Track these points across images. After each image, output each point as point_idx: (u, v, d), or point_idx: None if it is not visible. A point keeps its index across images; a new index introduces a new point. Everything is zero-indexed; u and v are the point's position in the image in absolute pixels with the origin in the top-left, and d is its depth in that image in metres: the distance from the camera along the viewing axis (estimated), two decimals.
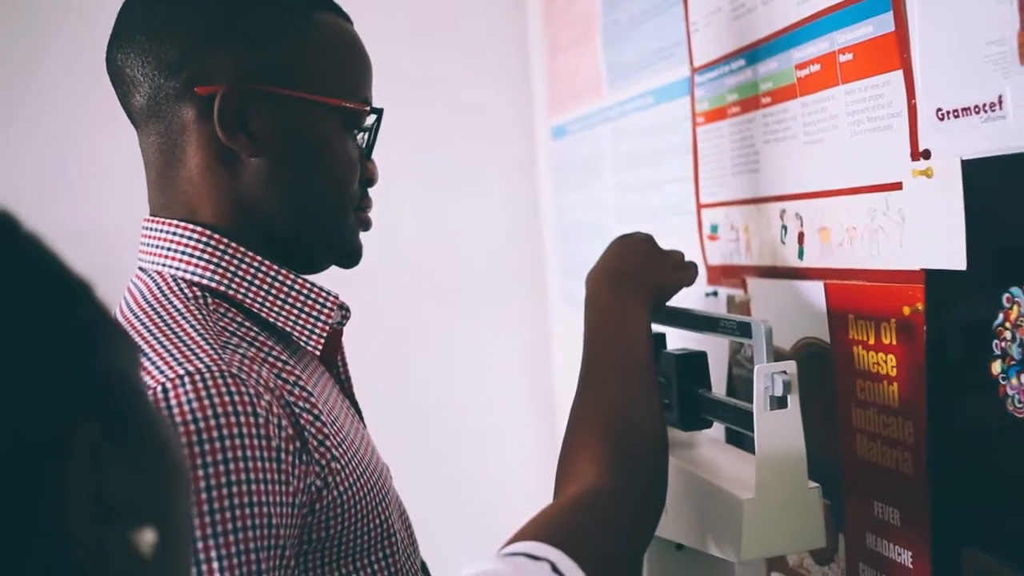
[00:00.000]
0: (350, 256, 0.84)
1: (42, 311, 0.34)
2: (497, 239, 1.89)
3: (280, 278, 0.77)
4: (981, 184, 0.74)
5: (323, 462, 0.69)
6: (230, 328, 0.72)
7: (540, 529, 0.68)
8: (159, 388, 0.63)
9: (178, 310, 0.72)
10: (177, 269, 0.75)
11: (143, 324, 0.71)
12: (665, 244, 0.97)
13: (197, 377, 0.64)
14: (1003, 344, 0.72)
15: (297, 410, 0.69)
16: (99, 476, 0.33)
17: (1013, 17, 0.68)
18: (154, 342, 0.68)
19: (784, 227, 1.01)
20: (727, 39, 1.10)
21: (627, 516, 0.75)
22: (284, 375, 0.71)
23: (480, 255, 1.88)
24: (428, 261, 1.85)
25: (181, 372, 0.64)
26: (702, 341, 1.00)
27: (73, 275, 0.36)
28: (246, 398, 0.64)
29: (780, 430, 0.80)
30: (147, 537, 0.35)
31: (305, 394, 0.71)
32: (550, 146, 1.82)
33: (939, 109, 0.77)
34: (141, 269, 0.78)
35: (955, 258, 0.76)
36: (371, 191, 0.86)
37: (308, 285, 0.78)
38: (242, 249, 0.76)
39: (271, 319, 0.76)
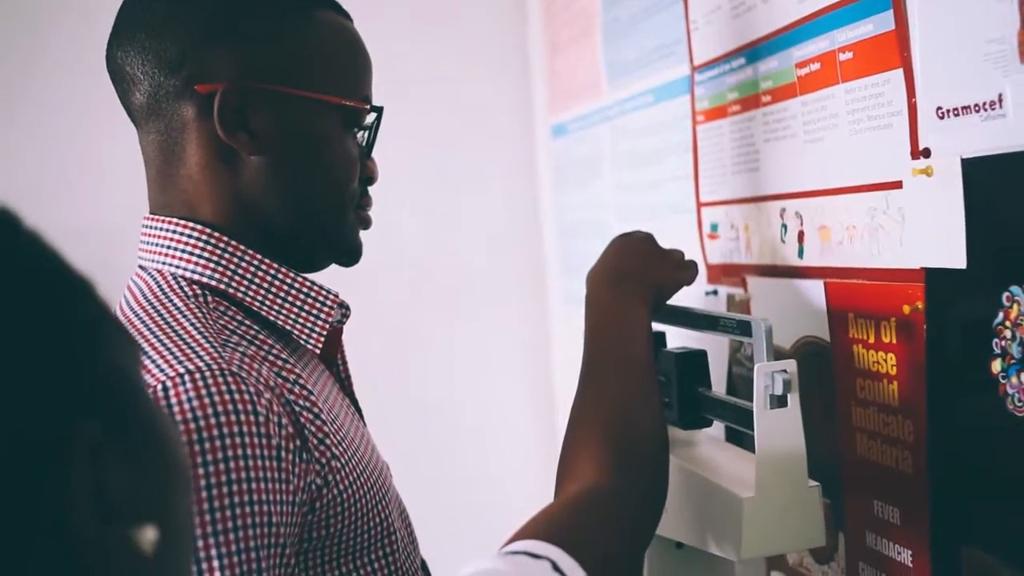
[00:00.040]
0: (350, 254, 0.84)
1: (43, 309, 0.34)
2: (497, 238, 1.89)
3: (280, 276, 0.77)
4: (981, 183, 0.74)
5: (323, 460, 0.69)
6: (230, 326, 0.72)
7: (541, 528, 0.68)
8: (159, 386, 0.63)
9: (178, 308, 0.72)
10: (177, 267, 0.75)
11: (143, 322, 0.71)
12: (665, 243, 0.97)
13: (197, 375, 0.64)
14: (1003, 343, 0.72)
15: (297, 408, 0.69)
16: (100, 474, 0.33)
17: (1013, 16, 0.68)
18: (154, 340, 0.68)
19: (784, 226, 1.02)
20: (727, 37, 1.10)
21: (627, 515, 0.75)
22: (284, 373, 0.71)
23: (480, 253, 1.88)
24: (428, 260, 1.85)
25: (181, 370, 0.64)
26: (702, 340, 1.00)
27: (74, 273, 0.36)
28: (246, 396, 0.64)
29: (780, 429, 0.80)
30: (148, 535, 0.35)
31: (305, 392, 0.71)
32: (550, 144, 1.82)
33: (939, 108, 0.77)
34: (141, 267, 0.78)
35: (955, 257, 0.76)
36: (371, 189, 0.86)
37: (308, 283, 0.78)
38: (242, 247, 0.76)
39: (271, 317, 0.76)
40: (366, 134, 0.84)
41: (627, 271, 0.91)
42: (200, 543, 0.61)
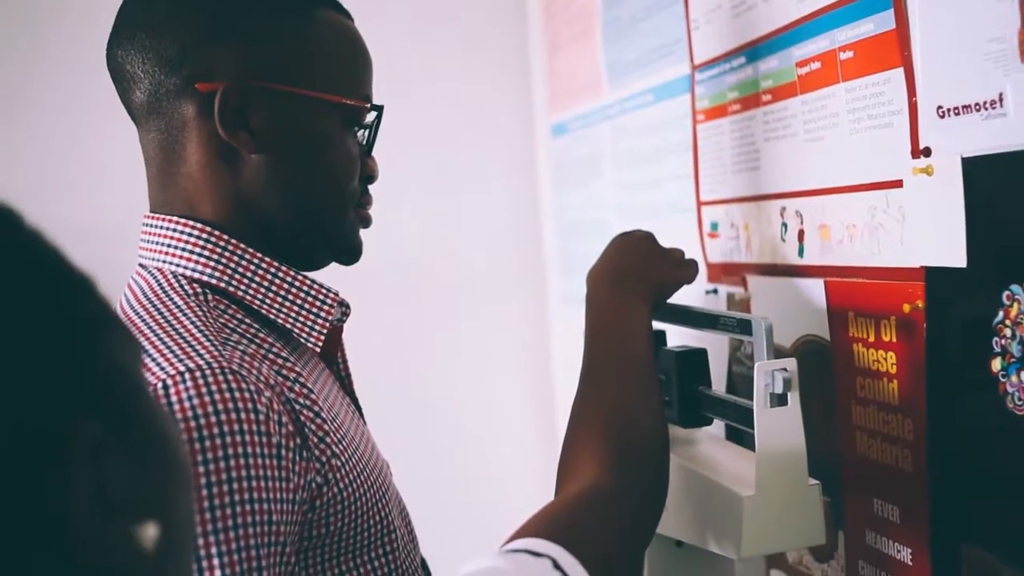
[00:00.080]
0: (350, 253, 0.84)
1: (44, 307, 0.34)
2: (497, 236, 1.89)
3: (280, 275, 0.77)
4: (981, 182, 0.74)
5: (323, 459, 0.69)
6: (230, 325, 0.72)
7: (542, 526, 0.68)
8: (160, 384, 0.63)
9: (178, 307, 0.72)
10: (177, 266, 0.75)
11: (143, 321, 0.71)
12: (665, 242, 0.97)
13: (198, 374, 0.64)
14: (1003, 341, 0.72)
15: (297, 407, 0.69)
16: (101, 472, 0.33)
17: (1014, 15, 0.68)
18: (154, 338, 0.68)
19: (784, 225, 1.02)
20: (728, 36, 1.10)
21: (628, 513, 0.75)
22: (284, 372, 0.71)
23: (480, 253, 1.88)
24: (428, 258, 1.85)
25: (182, 368, 0.64)
26: (702, 338, 1.00)
27: (75, 271, 0.36)
28: (247, 395, 0.64)
29: (780, 427, 0.80)
30: (150, 532, 0.35)
31: (305, 391, 0.71)
32: (550, 144, 1.82)
33: (940, 107, 0.77)
34: (141, 266, 0.78)
35: (955, 255, 0.76)
36: (371, 188, 0.86)
37: (308, 282, 0.78)
38: (242, 246, 0.76)
39: (271, 316, 0.76)
40: (366, 133, 0.84)
41: (627, 270, 0.91)
42: (200, 541, 0.61)
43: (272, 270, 0.76)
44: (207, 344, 0.67)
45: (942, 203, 0.77)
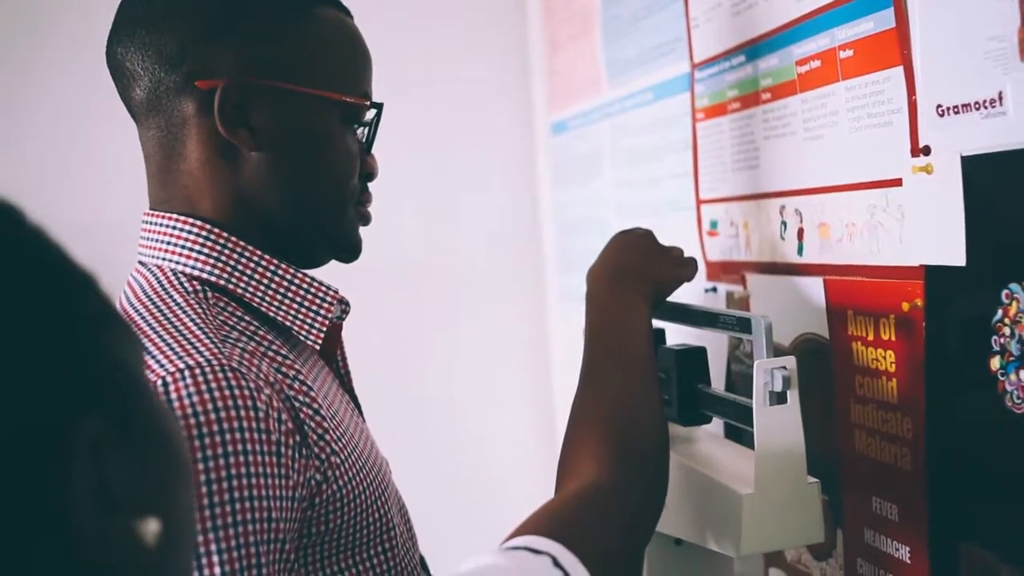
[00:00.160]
0: (350, 250, 0.84)
1: (47, 303, 0.34)
2: (497, 235, 1.89)
3: (280, 272, 0.77)
4: (981, 180, 0.74)
5: (323, 456, 0.69)
6: (230, 322, 0.72)
7: (541, 524, 0.68)
8: (159, 382, 0.63)
9: (178, 304, 0.72)
10: (177, 263, 0.75)
11: (143, 318, 0.71)
12: (665, 240, 0.97)
13: (197, 371, 0.64)
14: (1002, 340, 0.72)
15: (297, 404, 0.69)
16: (103, 468, 0.33)
17: (1013, 13, 0.68)
18: (154, 336, 0.68)
19: (784, 223, 1.02)
20: (727, 35, 1.10)
21: (628, 511, 0.75)
22: (284, 369, 0.71)
23: (479, 251, 1.88)
24: (428, 256, 1.85)
25: (181, 366, 0.64)
26: (701, 337, 1.00)
27: (78, 268, 0.37)
28: (246, 392, 0.64)
29: (779, 425, 0.80)
30: (151, 528, 0.35)
31: (305, 388, 0.71)
32: (550, 142, 1.82)
33: (939, 105, 0.77)
34: (141, 263, 0.78)
35: (954, 254, 0.76)
36: (371, 186, 0.86)
37: (308, 279, 0.78)
38: (242, 243, 0.76)
39: (271, 313, 0.76)
40: (366, 130, 0.84)
41: (627, 268, 0.91)
42: (200, 538, 0.61)
43: (272, 268, 0.77)
44: (207, 341, 0.67)
45: (941, 202, 0.78)
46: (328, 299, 0.79)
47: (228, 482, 0.62)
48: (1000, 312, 0.72)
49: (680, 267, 0.95)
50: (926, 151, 0.79)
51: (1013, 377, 0.71)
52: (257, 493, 0.63)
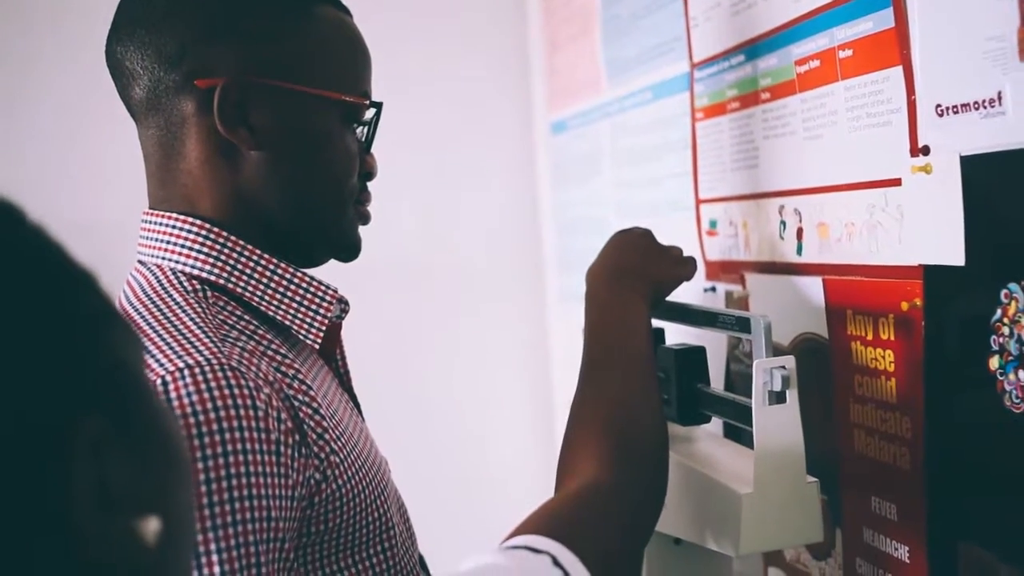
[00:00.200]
0: (349, 250, 0.84)
1: (47, 302, 0.34)
2: (496, 234, 1.89)
3: (279, 272, 0.77)
4: (980, 180, 0.74)
5: (322, 455, 0.69)
6: (229, 321, 0.72)
7: (541, 523, 0.68)
8: (159, 381, 0.63)
9: (177, 303, 0.72)
10: (176, 262, 0.75)
11: (142, 317, 0.71)
12: (664, 239, 0.97)
13: (197, 370, 0.64)
14: (1001, 340, 0.72)
15: (296, 403, 0.69)
16: (103, 467, 0.33)
17: (1013, 13, 0.68)
18: (154, 335, 0.68)
19: (783, 223, 1.02)
20: (727, 34, 1.10)
21: (628, 511, 0.75)
22: (283, 368, 0.71)
23: (479, 250, 1.88)
24: (427, 256, 1.85)
25: (181, 365, 0.64)
26: (701, 336, 1.00)
27: (78, 266, 0.37)
28: (245, 391, 0.64)
29: (778, 425, 0.81)
30: (151, 526, 0.35)
31: (304, 387, 0.71)
32: (549, 141, 1.82)
33: (938, 105, 0.77)
34: (140, 262, 0.78)
35: (953, 254, 0.76)
36: (370, 185, 0.86)
37: (307, 279, 0.78)
38: (241, 242, 0.76)
39: (270, 312, 0.76)
40: (365, 129, 0.84)
41: (626, 267, 0.91)
42: (199, 537, 0.61)
43: (271, 267, 0.77)
44: (206, 340, 0.67)
45: (940, 201, 0.78)
46: (327, 298, 0.79)
47: (227, 481, 0.62)
48: (999, 312, 0.72)
49: (679, 266, 0.95)
50: (925, 151, 0.79)
51: (1012, 377, 0.71)
52: (256, 492, 0.63)
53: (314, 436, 0.69)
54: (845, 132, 0.90)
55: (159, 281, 0.74)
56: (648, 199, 1.39)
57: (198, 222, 0.75)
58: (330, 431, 0.71)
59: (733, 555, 0.83)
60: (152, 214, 0.78)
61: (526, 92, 1.89)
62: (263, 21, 0.76)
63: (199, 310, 0.71)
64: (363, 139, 0.84)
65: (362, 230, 0.85)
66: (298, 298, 0.77)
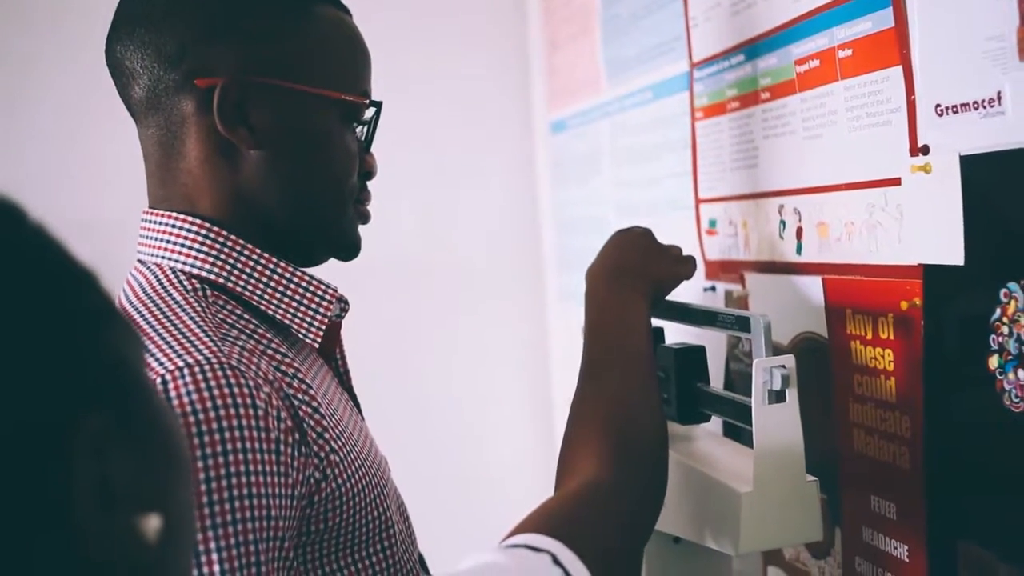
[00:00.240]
0: (349, 249, 0.84)
1: (48, 300, 0.34)
2: (496, 233, 1.89)
3: (279, 271, 0.77)
4: (979, 180, 0.74)
5: (322, 454, 0.69)
6: (229, 320, 0.72)
7: (541, 521, 0.68)
8: (159, 380, 0.63)
9: (177, 302, 0.72)
10: (176, 261, 0.75)
11: (142, 316, 0.71)
12: (664, 239, 0.98)
13: (196, 369, 0.64)
14: (1000, 339, 0.72)
15: (296, 402, 0.69)
16: (104, 464, 0.34)
17: (1012, 13, 0.69)
18: (153, 334, 0.68)
19: (782, 222, 1.02)
20: (726, 34, 1.10)
21: (627, 509, 0.75)
22: (283, 367, 0.71)
23: (479, 249, 1.88)
24: (427, 255, 1.85)
25: (181, 364, 0.64)
26: (700, 335, 1.00)
27: (79, 265, 0.37)
28: (245, 390, 0.64)
29: (778, 424, 0.81)
30: (152, 524, 0.35)
31: (304, 386, 0.71)
32: (549, 141, 1.82)
33: (938, 105, 0.77)
34: (140, 261, 0.78)
35: (953, 253, 0.77)
36: (370, 184, 0.86)
37: (307, 278, 0.78)
38: (241, 242, 0.76)
39: (270, 311, 0.76)
40: (365, 129, 0.84)
41: (626, 266, 0.91)
42: (199, 536, 0.61)
43: (271, 266, 0.77)
44: (206, 339, 0.67)
45: (940, 201, 0.78)
46: (327, 297, 0.79)
47: (227, 480, 0.62)
48: (998, 311, 0.72)
49: (679, 265, 0.95)
50: (925, 150, 0.79)
51: (1011, 376, 0.72)
52: (256, 491, 0.63)
53: (314, 435, 0.69)
54: (845, 132, 0.90)
55: (159, 280, 0.74)
56: (648, 198, 1.39)
57: (198, 221, 0.76)
58: (330, 430, 0.71)
59: (732, 554, 0.83)
60: (152, 213, 0.78)
61: (526, 92, 1.89)
62: (263, 20, 0.76)
63: (199, 309, 0.71)
64: (363, 138, 0.84)
65: (362, 229, 0.85)
66: (298, 297, 0.77)
